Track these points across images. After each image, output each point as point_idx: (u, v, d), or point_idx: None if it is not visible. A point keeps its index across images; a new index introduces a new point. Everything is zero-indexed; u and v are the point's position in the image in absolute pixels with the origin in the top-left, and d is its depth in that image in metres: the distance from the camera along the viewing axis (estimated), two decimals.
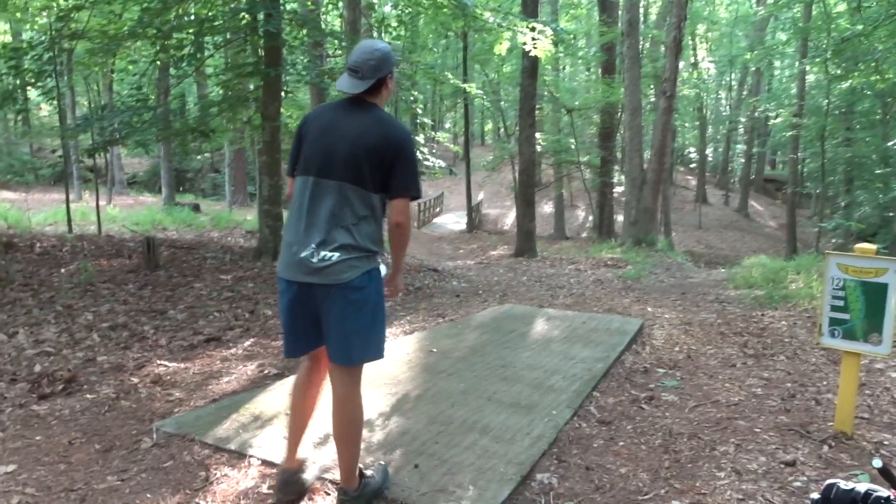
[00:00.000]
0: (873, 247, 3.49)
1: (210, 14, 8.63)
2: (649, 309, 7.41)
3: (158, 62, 10.16)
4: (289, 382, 3.78)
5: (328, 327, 2.61)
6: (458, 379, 4.47)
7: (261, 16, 8.10)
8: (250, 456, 3.23)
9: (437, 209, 30.48)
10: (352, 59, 2.64)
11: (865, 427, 3.81)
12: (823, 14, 22.70)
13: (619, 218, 21.35)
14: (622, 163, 22.57)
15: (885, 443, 3.55)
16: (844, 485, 2.09)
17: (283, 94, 8.11)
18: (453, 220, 27.94)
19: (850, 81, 19.74)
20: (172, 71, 11.42)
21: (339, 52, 11.16)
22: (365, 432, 3.57)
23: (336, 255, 2.51)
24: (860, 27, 14.98)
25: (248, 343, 5.43)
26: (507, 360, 4.92)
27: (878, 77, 16.96)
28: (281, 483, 2.82)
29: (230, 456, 3.28)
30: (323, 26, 11.69)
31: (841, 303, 3.48)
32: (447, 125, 43.71)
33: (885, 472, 1.97)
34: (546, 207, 30.53)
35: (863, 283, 3.39)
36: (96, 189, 12.74)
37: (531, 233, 14.06)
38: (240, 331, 5.78)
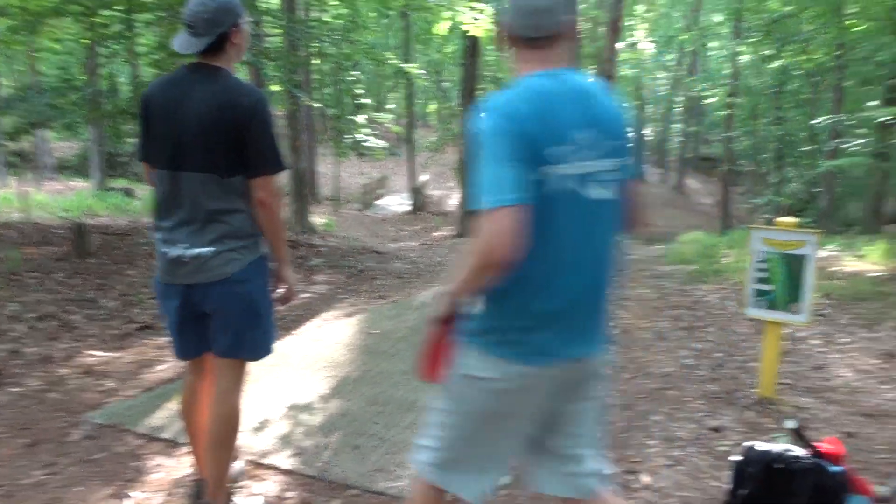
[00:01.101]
0: (794, 220, 3.64)
1: None
2: None
3: (86, 41, 9.73)
4: None
5: (213, 324, 2.38)
6: (398, 360, 4.49)
7: None
8: (185, 443, 3.17)
9: (381, 191, 30.27)
10: (186, 13, 2.24)
11: (788, 392, 3.99)
12: None
13: None
14: None
15: (805, 406, 3.74)
16: (761, 446, 2.20)
17: None
18: (397, 202, 27.81)
19: (779, 62, 20.41)
20: (102, 50, 10.99)
21: (278, 30, 10.89)
22: (305, 415, 3.57)
23: (210, 249, 2.26)
24: (790, 8, 15.48)
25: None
26: None
27: (805, 57, 17.57)
28: (195, 496, 2.59)
29: (164, 445, 3.23)
30: (258, 4, 11.40)
31: (765, 274, 3.62)
32: (390, 106, 43.38)
33: (797, 433, 2.08)
34: None
35: (784, 255, 3.54)
36: (21, 174, 12.19)
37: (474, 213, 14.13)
38: None
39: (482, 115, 1.58)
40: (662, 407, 3.76)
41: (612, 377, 4.28)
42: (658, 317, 5.95)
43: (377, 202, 28.01)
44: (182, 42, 2.26)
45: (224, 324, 2.37)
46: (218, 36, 2.24)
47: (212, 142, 2.23)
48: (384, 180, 31.62)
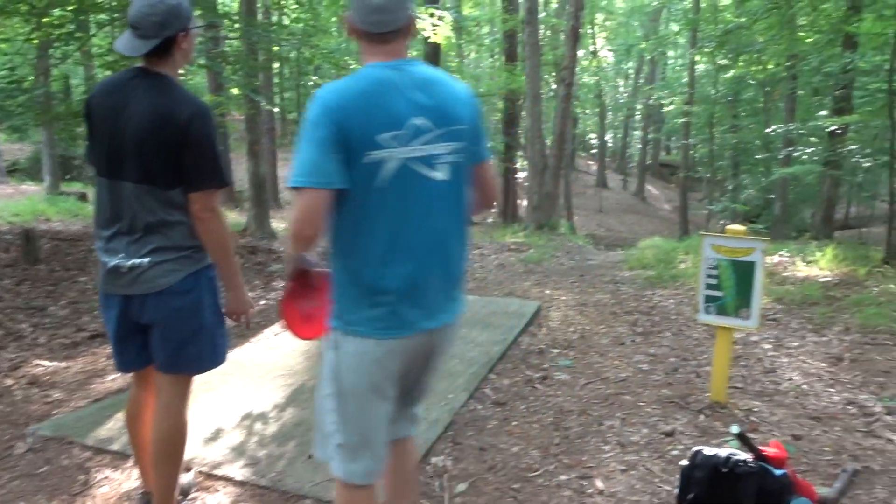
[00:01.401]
0: (742, 228, 3.72)
1: None
2: (548, 291, 7.62)
3: (35, 41, 9.47)
4: None
5: (152, 337, 2.32)
6: None
7: None
8: (133, 455, 3.10)
9: None
10: (131, 13, 2.15)
11: (739, 396, 4.07)
12: (711, 6, 23.93)
13: (524, 203, 21.80)
14: (525, 149, 23.02)
15: (755, 409, 3.82)
16: (708, 451, 2.24)
17: None
18: None
19: (733, 71, 20.93)
20: (54, 51, 10.71)
21: (236, 34, 10.75)
22: (259, 425, 3.52)
23: (147, 260, 2.19)
24: (743, 20, 15.87)
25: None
26: None
27: (759, 67, 18.03)
28: None
29: (113, 457, 3.15)
30: (217, 7, 11.24)
31: (715, 281, 3.69)
32: None
33: (742, 438, 2.12)
34: None
35: (733, 262, 3.62)
36: None
37: None
38: None
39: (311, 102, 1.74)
40: (617, 412, 3.81)
41: (568, 382, 4.34)
42: (615, 322, 6.02)
43: None
44: (126, 44, 2.17)
45: (163, 337, 2.29)
46: (165, 39, 2.17)
47: (148, 154, 2.16)
48: None
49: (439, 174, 1.73)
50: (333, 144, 1.65)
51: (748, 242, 3.60)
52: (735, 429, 2.12)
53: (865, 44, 13.03)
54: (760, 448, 2.15)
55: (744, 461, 2.14)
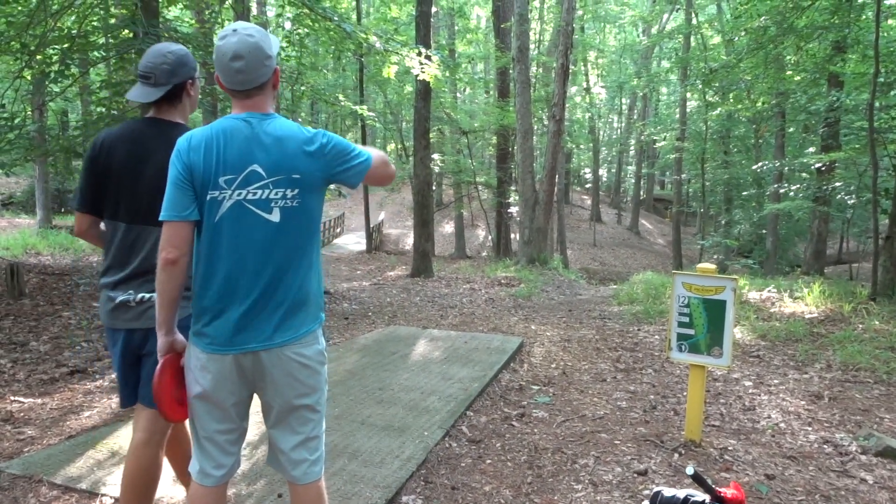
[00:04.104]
0: (713, 266, 3.75)
1: (85, 30, 8.25)
2: (533, 327, 7.62)
3: (28, 77, 9.60)
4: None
5: (145, 370, 2.37)
6: (332, 404, 4.44)
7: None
8: (102, 495, 3.08)
9: (338, 230, 30.21)
10: (142, 64, 2.35)
11: (715, 434, 4.06)
12: (701, 45, 24.38)
13: (517, 237, 21.87)
14: (517, 183, 23.18)
15: (730, 448, 3.81)
16: (668, 492, 2.24)
17: None
18: (354, 241, 27.77)
19: (719, 109, 21.25)
20: (54, 87, 10.85)
21: None
22: None
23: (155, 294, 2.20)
24: (730, 58, 16.17)
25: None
26: (386, 383, 4.93)
27: (747, 104, 18.30)
28: None
29: (80, 496, 3.12)
30: (211, 48, 11.40)
31: (686, 319, 3.71)
32: None
33: (697, 479, 2.12)
34: (448, 227, 30.91)
35: (704, 300, 3.64)
36: None
37: (427, 253, 14.18)
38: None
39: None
40: (592, 450, 3.79)
41: (545, 420, 4.31)
42: (598, 358, 6.02)
43: (334, 241, 27.92)
44: (139, 93, 2.34)
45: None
46: (174, 86, 2.36)
47: None
48: (341, 219, 31.58)
49: (272, 216, 1.96)
50: (184, 182, 1.93)
51: (719, 281, 3.63)
52: (690, 470, 2.12)
53: (850, 83, 13.26)
54: (717, 489, 2.14)
55: (702, 502, 2.14)
